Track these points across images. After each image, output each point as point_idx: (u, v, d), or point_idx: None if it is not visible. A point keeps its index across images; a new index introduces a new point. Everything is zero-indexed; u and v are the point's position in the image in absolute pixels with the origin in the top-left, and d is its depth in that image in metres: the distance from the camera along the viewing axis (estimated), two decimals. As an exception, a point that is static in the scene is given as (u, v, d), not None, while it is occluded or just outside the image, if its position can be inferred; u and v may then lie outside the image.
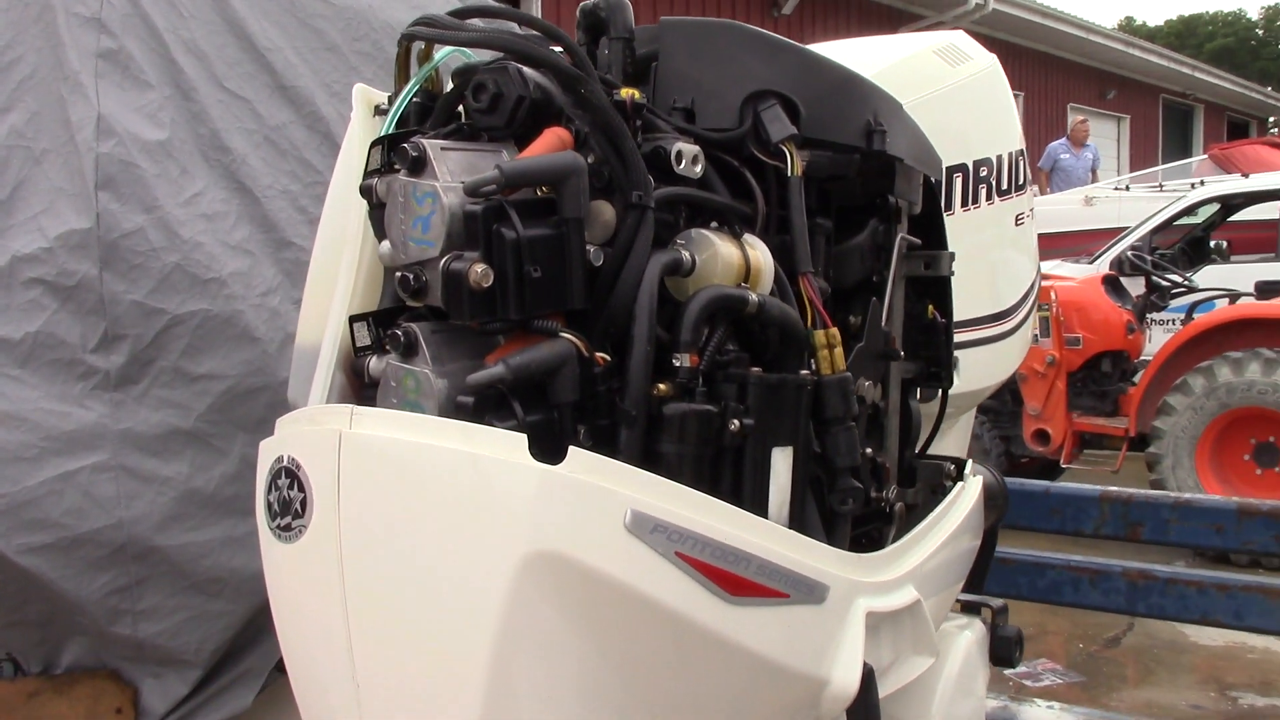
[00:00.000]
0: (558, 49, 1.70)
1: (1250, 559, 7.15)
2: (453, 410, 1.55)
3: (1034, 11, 18.97)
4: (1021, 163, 2.71)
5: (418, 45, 1.84)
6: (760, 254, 1.75)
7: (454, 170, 1.59)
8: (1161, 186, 13.72)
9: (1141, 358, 9.22)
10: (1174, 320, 9.96)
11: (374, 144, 1.71)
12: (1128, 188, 13.97)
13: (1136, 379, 9.04)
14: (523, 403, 1.55)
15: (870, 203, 2.07)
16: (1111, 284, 9.22)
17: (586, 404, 1.60)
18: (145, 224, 2.33)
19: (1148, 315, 9.38)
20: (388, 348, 1.65)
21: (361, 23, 2.76)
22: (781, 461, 1.71)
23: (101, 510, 2.33)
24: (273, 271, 2.50)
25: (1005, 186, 2.65)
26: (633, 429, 1.59)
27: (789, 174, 1.82)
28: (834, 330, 1.79)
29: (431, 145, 1.59)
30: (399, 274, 1.59)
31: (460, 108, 1.79)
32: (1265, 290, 8.94)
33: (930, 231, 2.24)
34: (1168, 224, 10.94)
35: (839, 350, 1.78)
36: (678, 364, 1.63)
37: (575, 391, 1.57)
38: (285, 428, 1.66)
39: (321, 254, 1.84)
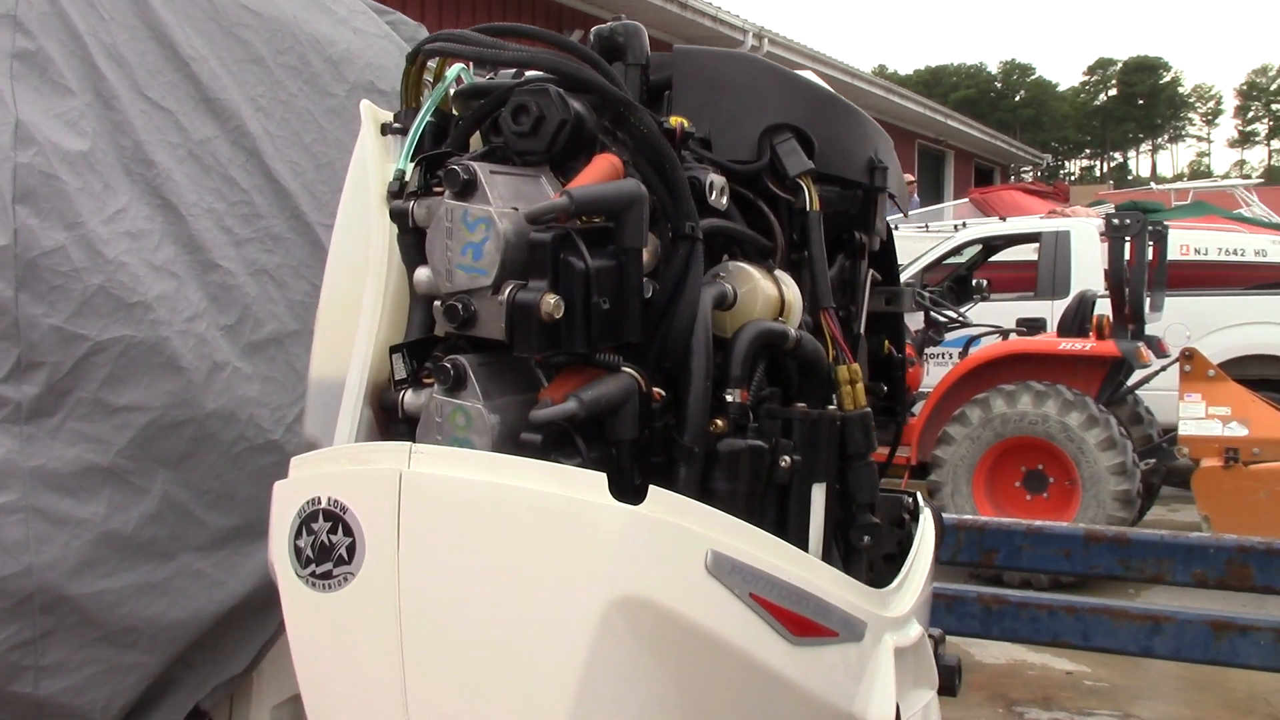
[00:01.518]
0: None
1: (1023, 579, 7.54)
2: (510, 447, 1.48)
3: (805, 56, 19.67)
4: None
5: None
6: (791, 288, 1.75)
7: (503, 195, 1.52)
8: (927, 227, 14.44)
9: (920, 389, 9.66)
10: (946, 354, 10.50)
11: (417, 164, 1.62)
12: (896, 227, 14.62)
13: (916, 410, 9.45)
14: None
15: (837, 237, 2.09)
16: (893, 318, 9.61)
17: (640, 440, 1.56)
18: (66, 242, 2.12)
19: (925, 349, 9.83)
20: (427, 380, 1.56)
21: (287, 34, 2.60)
22: (819, 498, 1.71)
23: (8, 556, 2.10)
24: (198, 295, 2.32)
25: None
26: (692, 466, 1.55)
27: (808, 208, 1.82)
28: (856, 366, 1.80)
29: (481, 168, 1.52)
30: (446, 303, 1.51)
31: (477, 131, 1.71)
32: (1030, 327, 9.53)
33: (886, 267, 2.28)
34: (937, 263, 11.52)
35: (860, 386, 1.79)
36: (730, 399, 1.60)
37: (635, 428, 1.53)
38: (319, 467, 1.54)
39: (337, 280, 1.71)
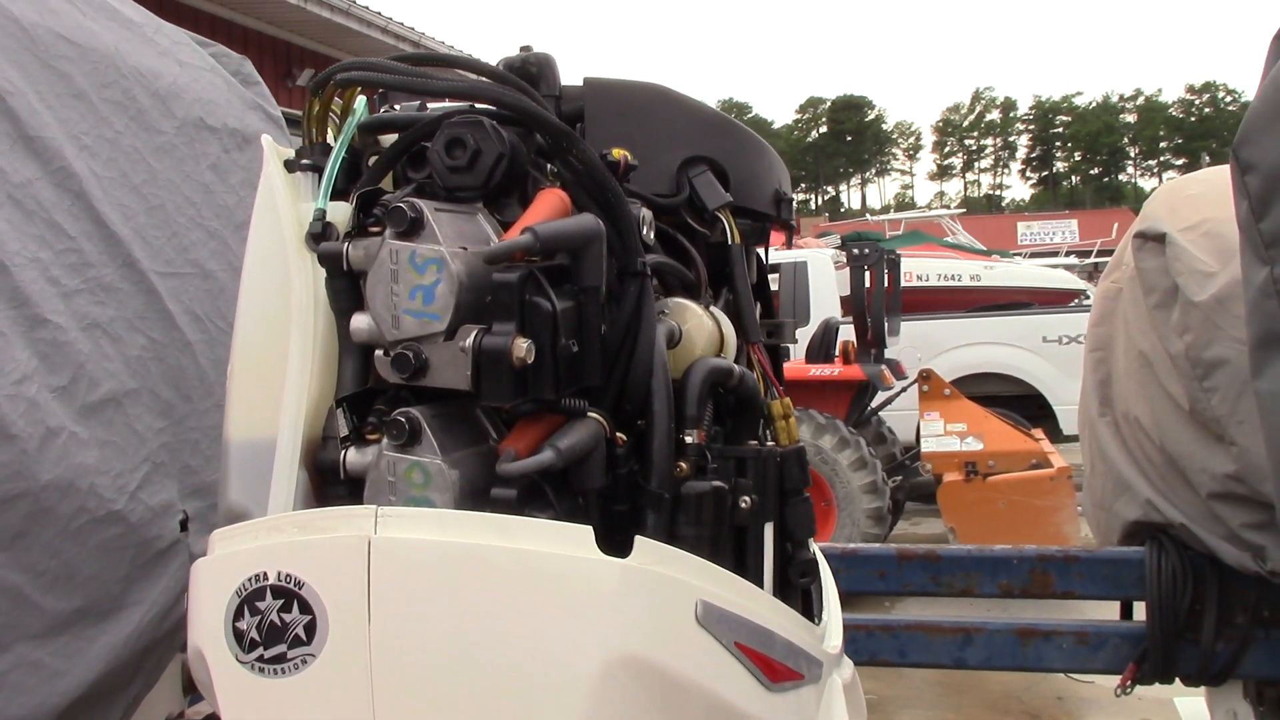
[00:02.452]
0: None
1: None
2: (471, 503, 1.38)
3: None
4: None
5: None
6: (726, 323, 1.71)
7: (448, 234, 1.42)
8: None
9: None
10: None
11: (354, 201, 1.48)
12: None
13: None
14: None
15: (722, 270, 2.07)
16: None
17: (605, 488, 1.48)
18: (-124, 300, 1.86)
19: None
20: (373, 436, 1.44)
21: (109, 67, 2.36)
22: (769, 536, 1.67)
23: None
24: (27, 354, 2.06)
25: None
26: (661, 512, 1.49)
27: (729, 241, 1.79)
28: (788, 400, 1.77)
29: (427, 205, 1.41)
30: (394, 352, 1.39)
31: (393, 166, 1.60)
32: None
33: (765, 299, 2.27)
34: (683, 296, 11.73)
35: (794, 420, 1.77)
36: (689, 440, 1.54)
37: (603, 476, 1.45)
38: (259, 539, 1.38)
39: (251, 332, 1.55)
